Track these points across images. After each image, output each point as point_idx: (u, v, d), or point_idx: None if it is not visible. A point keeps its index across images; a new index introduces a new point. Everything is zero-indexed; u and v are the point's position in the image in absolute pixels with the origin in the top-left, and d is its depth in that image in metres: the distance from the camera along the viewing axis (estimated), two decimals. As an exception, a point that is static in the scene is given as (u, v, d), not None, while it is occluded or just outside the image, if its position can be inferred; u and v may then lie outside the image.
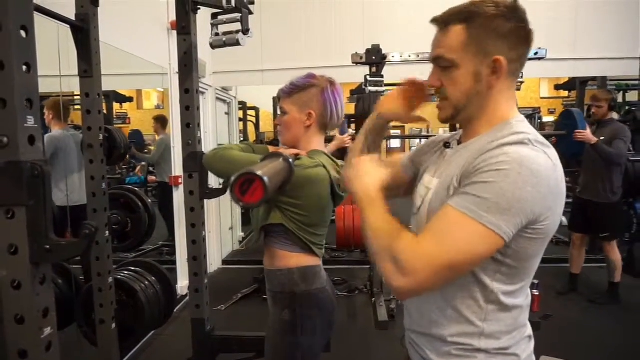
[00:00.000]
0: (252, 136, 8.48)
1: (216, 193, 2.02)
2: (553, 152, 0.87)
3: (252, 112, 8.14)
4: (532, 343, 1.00)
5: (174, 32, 3.67)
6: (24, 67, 0.92)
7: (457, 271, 0.84)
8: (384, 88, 3.58)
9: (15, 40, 0.89)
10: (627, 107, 5.64)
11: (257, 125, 8.13)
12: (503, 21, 0.89)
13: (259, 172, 1.04)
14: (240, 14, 1.70)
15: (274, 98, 7.48)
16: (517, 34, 0.90)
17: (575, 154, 3.83)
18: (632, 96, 6.31)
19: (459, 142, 1.02)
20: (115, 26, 2.65)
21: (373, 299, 3.79)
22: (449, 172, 0.93)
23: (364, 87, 3.65)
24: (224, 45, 1.78)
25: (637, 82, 4.53)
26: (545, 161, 0.83)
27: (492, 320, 0.91)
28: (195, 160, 1.97)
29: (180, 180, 3.73)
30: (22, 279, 0.92)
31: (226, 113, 5.57)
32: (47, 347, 0.96)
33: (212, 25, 1.82)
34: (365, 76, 3.57)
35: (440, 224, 0.84)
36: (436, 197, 0.94)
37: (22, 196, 0.90)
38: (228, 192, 1.11)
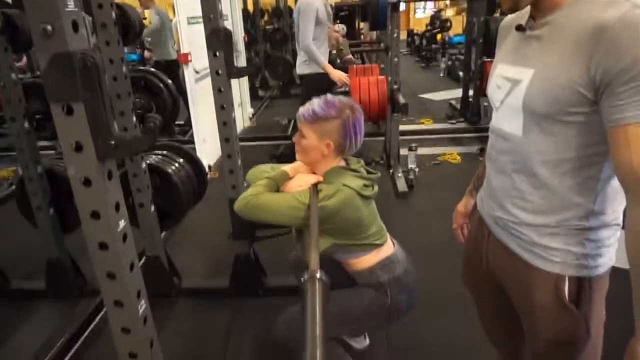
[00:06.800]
0: (250, 5, 7.92)
1: (244, 71, 1.92)
2: None
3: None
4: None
5: None
6: (52, -61, 0.79)
7: None
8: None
9: None
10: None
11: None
12: None
13: None
14: None
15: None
16: None
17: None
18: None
19: (533, 20, 0.94)
20: None
21: (391, 171, 3.87)
22: (553, 62, 0.86)
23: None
24: None
25: None
26: None
27: (601, 199, 0.91)
28: (219, 36, 1.84)
29: (189, 58, 3.56)
30: (91, 176, 0.90)
31: (225, -21, 5.12)
32: (123, 238, 0.98)
33: None
34: None
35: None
36: (542, 90, 0.88)
37: (77, 90, 0.84)
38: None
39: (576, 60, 0.82)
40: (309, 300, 0.83)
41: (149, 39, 6.00)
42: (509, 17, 1.08)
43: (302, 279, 0.90)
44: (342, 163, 1.46)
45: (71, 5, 0.83)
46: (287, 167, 1.50)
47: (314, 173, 1.46)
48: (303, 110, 1.43)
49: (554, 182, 0.92)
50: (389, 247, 1.50)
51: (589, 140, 0.87)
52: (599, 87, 0.80)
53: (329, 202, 1.32)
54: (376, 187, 1.46)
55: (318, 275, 0.88)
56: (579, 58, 0.81)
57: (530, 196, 0.97)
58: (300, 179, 1.44)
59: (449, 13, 14.63)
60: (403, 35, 12.80)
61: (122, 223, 0.97)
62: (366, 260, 1.46)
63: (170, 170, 2.25)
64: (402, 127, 4.18)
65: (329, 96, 1.44)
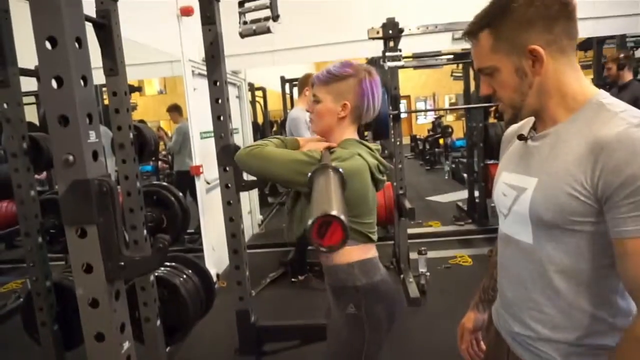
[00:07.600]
0: (260, 117, 8.40)
1: (252, 185, 2.00)
2: None
3: (259, 93, 8.04)
4: None
5: (184, 18, 3.61)
6: (81, 82, 0.89)
7: None
8: (401, 62, 3.50)
9: (72, 53, 0.85)
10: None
11: (265, 106, 8.05)
12: (524, 9, 0.87)
13: (334, 212, 0.94)
14: (270, 0, 1.65)
15: (281, 77, 7.39)
16: (545, 14, 0.86)
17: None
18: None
19: (534, 131, 0.99)
20: (121, 14, 2.58)
21: (401, 276, 3.81)
22: (556, 172, 0.87)
23: (382, 62, 3.57)
24: (254, 33, 1.73)
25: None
26: None
27: (620, 311, 0.88)
28: (229, 153, 1.94)
29: (200, 170, 3.72)
30: (99, 297, 0.91)
31: (237, 97, 5.50)
32: (126, 361, 0.96)
33: (240, 13, 1.76)
34: (383, 52, 3.48)
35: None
36: (546, 199, 0.88)
37: (92, 214, 0.88)
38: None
39: (578, 172, 0.83)
40: (320, 178, 0.71)
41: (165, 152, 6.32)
42: (513, 126, 1.12)
43: (310, 173, 0.79)
44: (357, 137, 1.40)
45: (92, 137, 0.90)
46: (298, 138, 1.45)
47: None
48: (318, 72, 1.39)
49: (571, 294, 0.89)
50: (374, 250, 1.41)
51: (602, 250, 0.85)
52: (601, 198, 0.81)
53: (341, 164, 1.24)
54: (385, 177, 1.39)
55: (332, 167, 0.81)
56: (581, 170, 0.82)
57: (547, 309, 0.92)
58: (311, 144, 1.36)
59: (449, 118, 15.35)
60: (406, 140, 13.20)
61: (126, 345, 0.96)
62: (351, 253, 1.33)
63: (178, 283, 2.24)
64: (410, 231, 4.19)
65: (345, 61, 1.40)
